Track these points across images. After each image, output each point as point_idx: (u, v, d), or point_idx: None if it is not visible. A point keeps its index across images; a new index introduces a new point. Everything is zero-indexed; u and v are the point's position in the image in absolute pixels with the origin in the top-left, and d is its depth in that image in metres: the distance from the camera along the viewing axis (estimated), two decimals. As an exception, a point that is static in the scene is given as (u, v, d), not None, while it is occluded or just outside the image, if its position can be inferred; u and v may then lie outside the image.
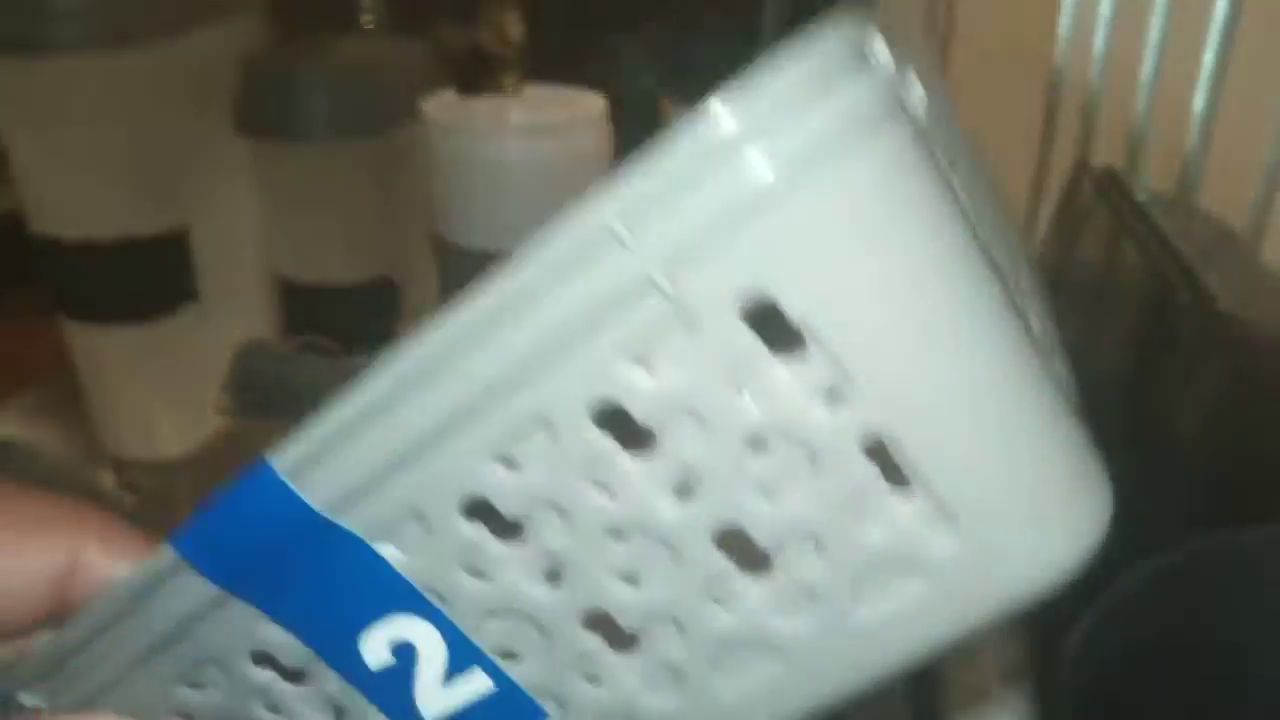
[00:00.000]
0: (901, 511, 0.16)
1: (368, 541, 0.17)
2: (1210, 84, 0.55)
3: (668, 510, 0.16)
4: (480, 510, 0.17)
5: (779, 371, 0.15)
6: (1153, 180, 0.58)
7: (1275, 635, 0.34)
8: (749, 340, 0.15)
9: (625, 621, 0.17)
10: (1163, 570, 0.34)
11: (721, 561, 0.16)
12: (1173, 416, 0.40)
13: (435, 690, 0.18)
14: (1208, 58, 0.55)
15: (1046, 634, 0.41)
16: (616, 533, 0.16)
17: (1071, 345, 0.48)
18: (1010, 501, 0.15)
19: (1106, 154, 0.60)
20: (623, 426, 0.16)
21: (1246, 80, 0.55)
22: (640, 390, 0.15)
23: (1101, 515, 0.17)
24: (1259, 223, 0.55)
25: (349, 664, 0.18)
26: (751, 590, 0.16)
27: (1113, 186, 0.48)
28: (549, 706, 0.18)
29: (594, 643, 0.17)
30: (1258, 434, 0.38)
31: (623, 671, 0.17)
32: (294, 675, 0.20)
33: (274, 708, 0.20)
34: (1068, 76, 0.63)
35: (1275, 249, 0.53)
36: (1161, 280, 0.40)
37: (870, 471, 0.15)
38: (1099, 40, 0.61)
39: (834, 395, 0.15)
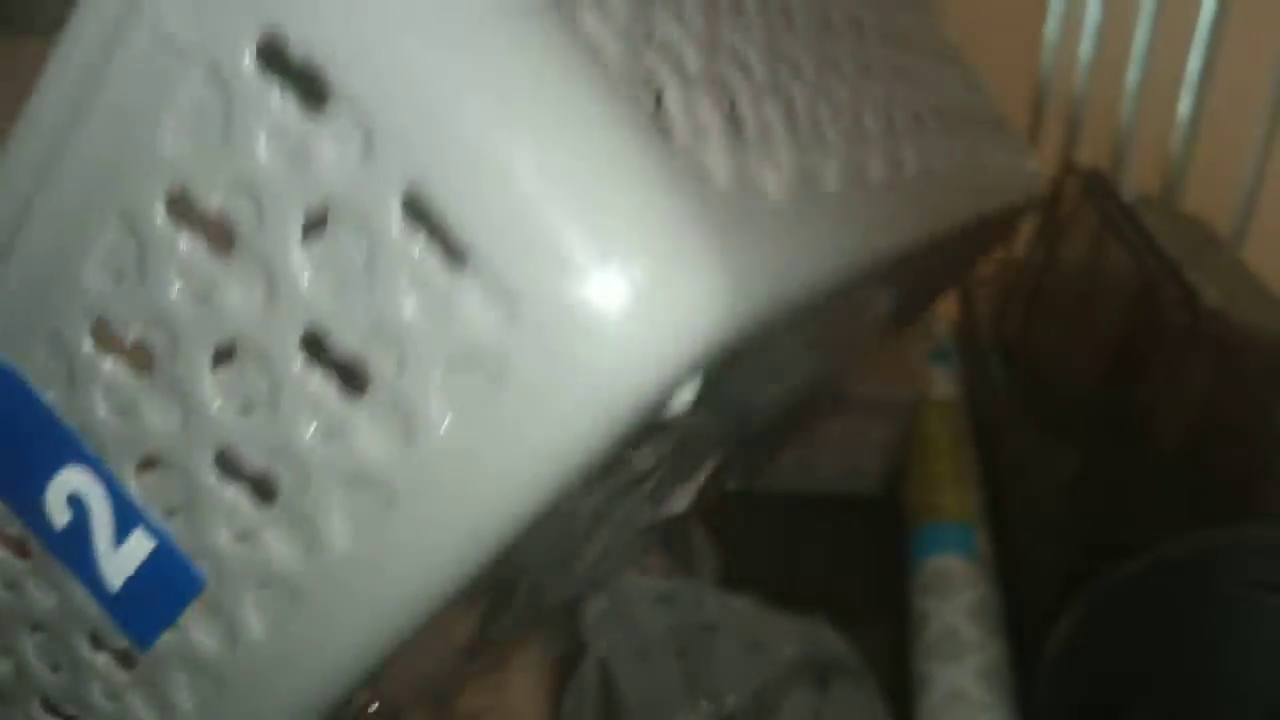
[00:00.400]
0: (466, 299, 0.13)
1: (25, 381, 0.17)
2: (1196, 88, 0.55)
3: (253, 312, 0.15)
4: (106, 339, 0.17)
5: (302, 126, 0.14)
6: (1138, 183, 0.58)
7: (1253, 635, 0.34)
8: (273, 96, 0.14)
9: (252, 460, 0.16)
10: (1143, 571, 0.34)
11: (318, 380, 0.15)
12: (1157, 416, 0.40)
13: (110, 555, 0.17)
14: (1193, 62, 0.55)
15: (1027, 635, 0.41)
16: (220, 349, 0.16)
17: (1057, 345, 0.48)
18: (572, 273, 0.12)
19: (1092, 157, 0.60)
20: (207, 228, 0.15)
21: (1231, 84, 0.55)
22: (201, 176, 0.14)
23: (706, 305, 0.13)
24: (1242, 225, 0.55)
25: (41, 524, 0.18)
26: (356, 417, 0.15)
27: (1098, 188, 0.48)
28: (206, 571, 0.17)
29: (232, 492, 0.16)
30: (1241, 433, 0.38)
31: (267, 528, 0.16)
32: (19, 548, 0.19)
33: (9, 585, 0.20)
34: (1054, 80, 0.63)
35: (1258, 251, 0.53)
36: (1146, 281, 0.40)
37: (420, 243, 0.14)
38: (1085, 44, 0.61)
39: (367, 151, 0.13)
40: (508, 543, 0.15)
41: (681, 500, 0.26)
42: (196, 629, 0.17)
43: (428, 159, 0.13)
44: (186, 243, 0.15)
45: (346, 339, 0.14)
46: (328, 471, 0.15)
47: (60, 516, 0.18)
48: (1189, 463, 0.39)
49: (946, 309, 0.58)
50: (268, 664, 0.17)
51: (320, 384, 0.15)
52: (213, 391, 0.16)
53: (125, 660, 0.19)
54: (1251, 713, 0.34)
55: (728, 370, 0.14)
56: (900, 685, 0.40)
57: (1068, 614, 0.35)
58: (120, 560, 0.17)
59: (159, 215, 0.15)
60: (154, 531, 0.17)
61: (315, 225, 0.14)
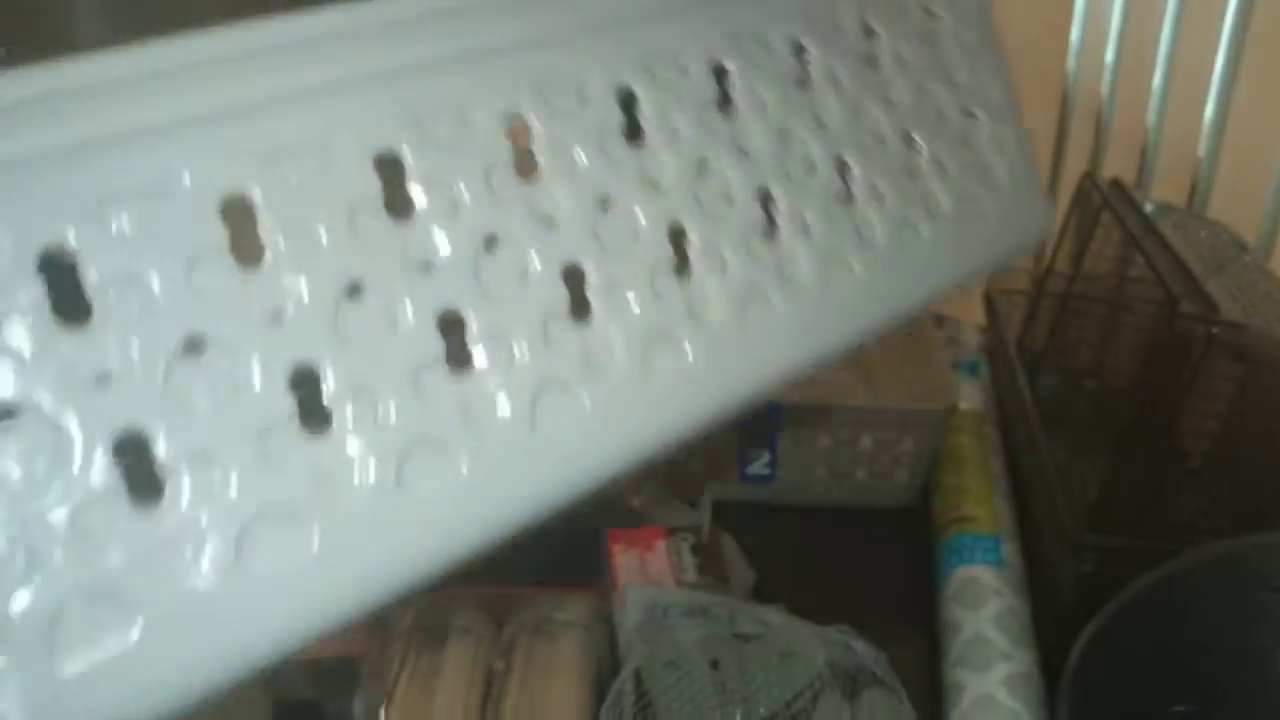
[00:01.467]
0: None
1: None
2: (1220, 95, 0.56)
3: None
4: None
5: None
6: (1163, 190, 0.58)
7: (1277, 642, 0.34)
8: None
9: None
10: (1165, 581, 0.34)
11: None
12: (1179, 425, 0.40)
13: None
14: (1217, 69, 0.55)
15: (1054, 642, 0.41)
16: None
17: (1083, 355, 0.49)
18: None
19: (1117, 165, 0.60)
20: None
21: (1256, 90, 0.55)
22: None
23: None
24: (1268, 232, 0.55)
25: None
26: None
27: (1119, 197, 0.49)
28: None
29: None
30: (1264, 442, 0.39)
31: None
32: None
33: None
34: (1078, 88, 0.63)
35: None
36: (1168, 290, 0.41)
37: None
38: (1109, 52, 0.61)
39: None
40: None
41: None
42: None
43: None
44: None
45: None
46: None
47: None
48: (1213, 471, 0.40)
49: (973, 319, 0.59)
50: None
51: None
52: None
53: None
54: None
55: None
56: (929, 693, 0.41)
57: (1094, 621, 0.35)
58: None
59: None
60: None
61: None
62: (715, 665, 0.37)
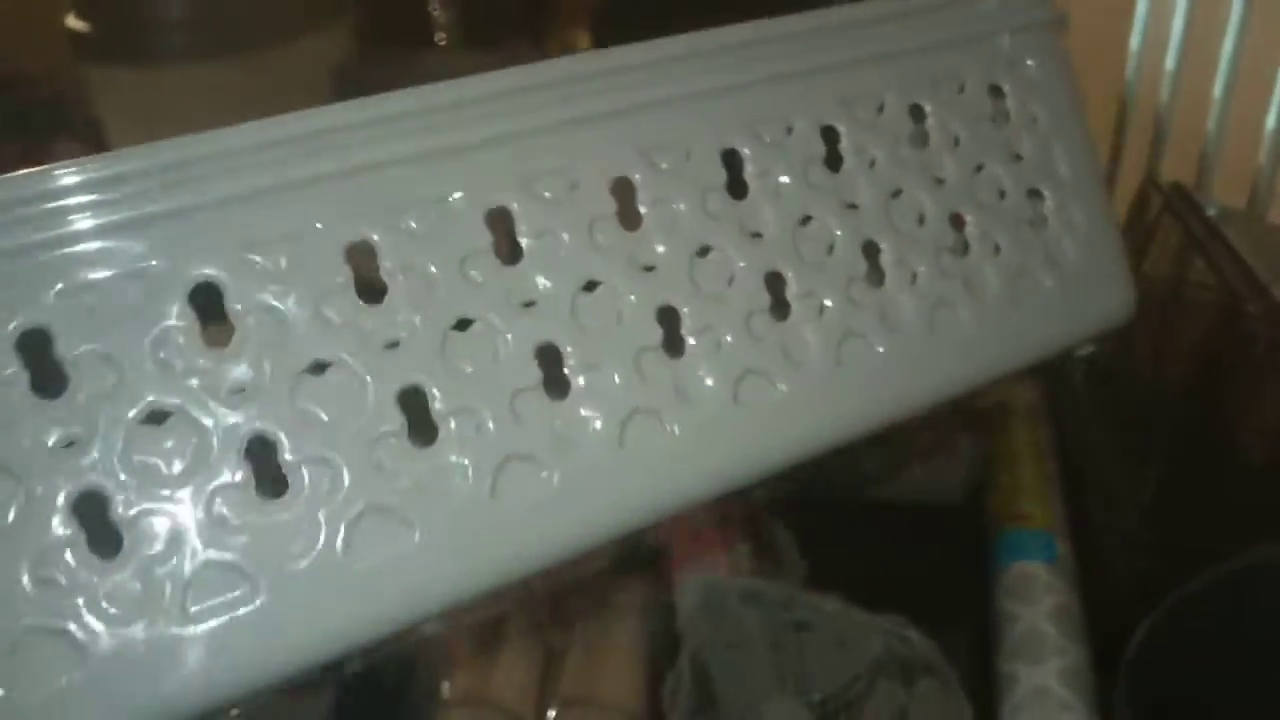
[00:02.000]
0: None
1: None
2: (1283, 102, 0.55)
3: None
4: None
5: None
6: (1224, 195, 0.58)
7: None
8: None
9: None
10: (1221, 579, 0.35)
11: None
12: (1240, 430, 0.41)
13: None
14: (1281, 76, 0.55)
15: (1108, 643, 0.41)
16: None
17: (1141, 358, 0.49)
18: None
19: (1176, 170, 0.60)
20: None
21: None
22: None
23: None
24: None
25: None
26: None
27: (1181, 201, 0.49)
28: None
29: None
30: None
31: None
32: None
33: None
34: (1138, 92, 0.63)
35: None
36: (1230, 295, 0.41)
37: None
38: (1170, 57, 0.61)
39: None
40: None
41: None
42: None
43: None
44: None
45: None
46: None
47: None
48: (1270, 474, 0.40)
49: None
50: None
51: None
52: None
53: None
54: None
55: None
56: (979, 687, 0.41)
57: (1148, 620, 0.36)
58: None
59: None
60: None
61: None
62: (773, 648, 0.38)
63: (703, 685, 0.38)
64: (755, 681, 0.37)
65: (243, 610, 0.15)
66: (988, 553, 0.46)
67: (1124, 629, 0.39)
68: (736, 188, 0.20)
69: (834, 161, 0.20)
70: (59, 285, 0.15)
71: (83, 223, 0.15)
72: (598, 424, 0.18)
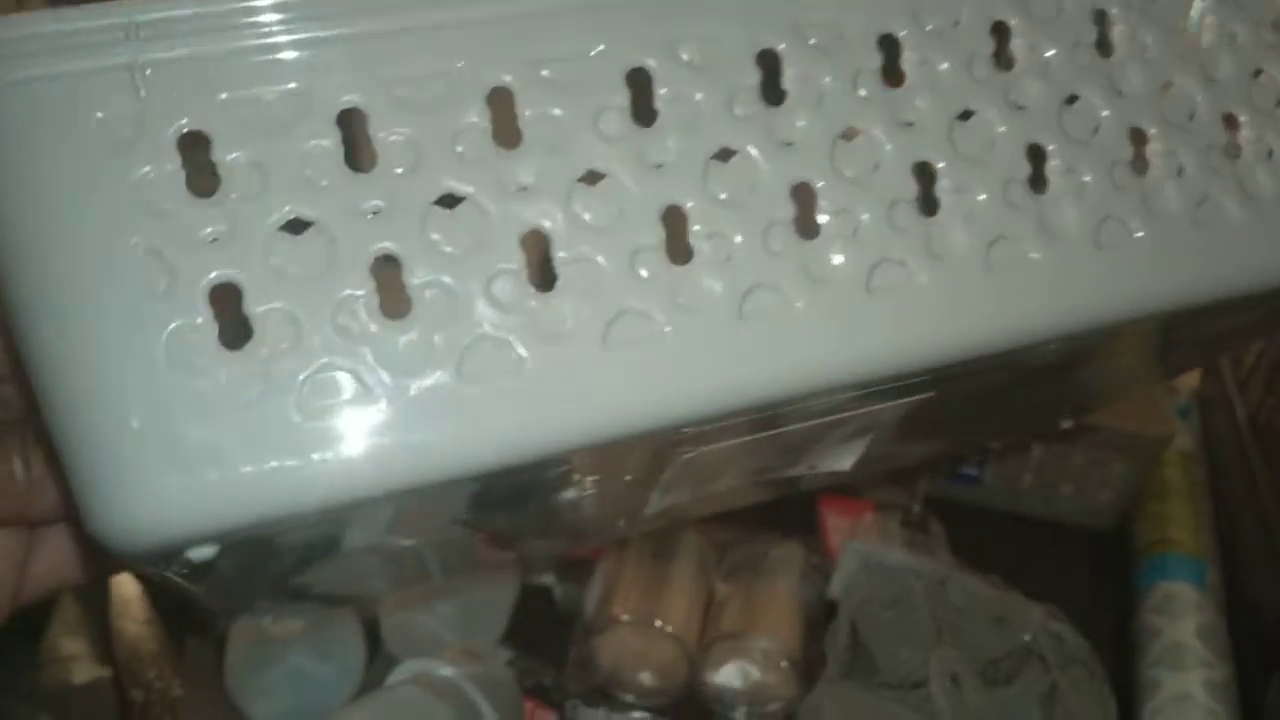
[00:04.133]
0: None
1: None
2: None
3: None
4: None
5: None
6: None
7: None
8: None
9: None
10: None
11: None
12: None
13: None
14: None
15: (1254, 671, 0.43)
16: None
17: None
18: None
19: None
20: None
21: None
22: None
23: None
24: None
25: None
26: None
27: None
28: None
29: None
30: None
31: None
32: None
33: None
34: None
35: None
36: None
37: None
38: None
39: None
40: None
41: (842, 462, 0.29)
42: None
43: None
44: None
45: None
46: None
47: None
48: None
49: (1188, 374, 0.60)
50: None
51: None
52: None
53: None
54: None
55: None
56: (1119, 694, 0.43)
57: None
58: None
59: None
60: None
61: None
62: (933, 615, 0.40)
63: (858, 639, 0.41)
64: (915, 639, 0.39)
65: (510, 382, 0.17)
66: (1134, 574, 0.48)
67: (1270, 663, 0.40)
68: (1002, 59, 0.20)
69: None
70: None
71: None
72: (843, 265, 0.18)
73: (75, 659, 0.46)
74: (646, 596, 0.44)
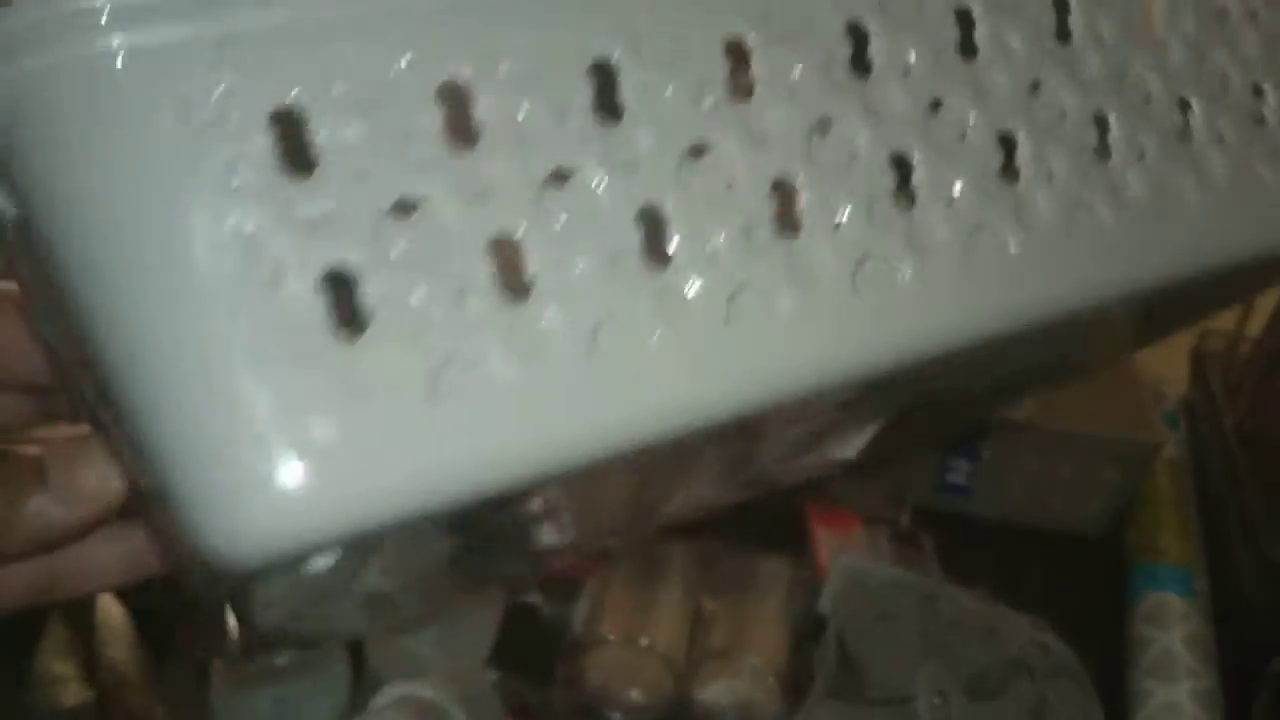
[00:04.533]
0: None
1: None
2: None
3: None
4: None
5: None
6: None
7: None
8: None
9: None
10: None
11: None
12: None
13: None
14: None
15: (1240, 677, 0.43)
16: None
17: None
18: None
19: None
20: None
21: None
22: None
23: None
24: None
25: None
26: None
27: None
28: None
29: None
30: None
31: None
32: None
33: None
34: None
35: None
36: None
37: None
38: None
39: None
40: None
41: (849, 449, 0.28)
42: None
43: None
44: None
45: None
46: None
47: None
48: None
49: (1176, 380, 0.60)
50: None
51: None
52: None
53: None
54: None
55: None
56: (1108, 707, 0.43)
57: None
58: None
59: None
60: None
61: None
62: (921, 630, 0.40)
63: (846, 655, 0.41)
64: (903, 654, 0.39)
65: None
66: (1124, 582, 0.48)
67: (1256, 668, 0.40)
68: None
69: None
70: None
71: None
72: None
73: (65, 681, 0.46)
74: (634, 614, 0.44)
